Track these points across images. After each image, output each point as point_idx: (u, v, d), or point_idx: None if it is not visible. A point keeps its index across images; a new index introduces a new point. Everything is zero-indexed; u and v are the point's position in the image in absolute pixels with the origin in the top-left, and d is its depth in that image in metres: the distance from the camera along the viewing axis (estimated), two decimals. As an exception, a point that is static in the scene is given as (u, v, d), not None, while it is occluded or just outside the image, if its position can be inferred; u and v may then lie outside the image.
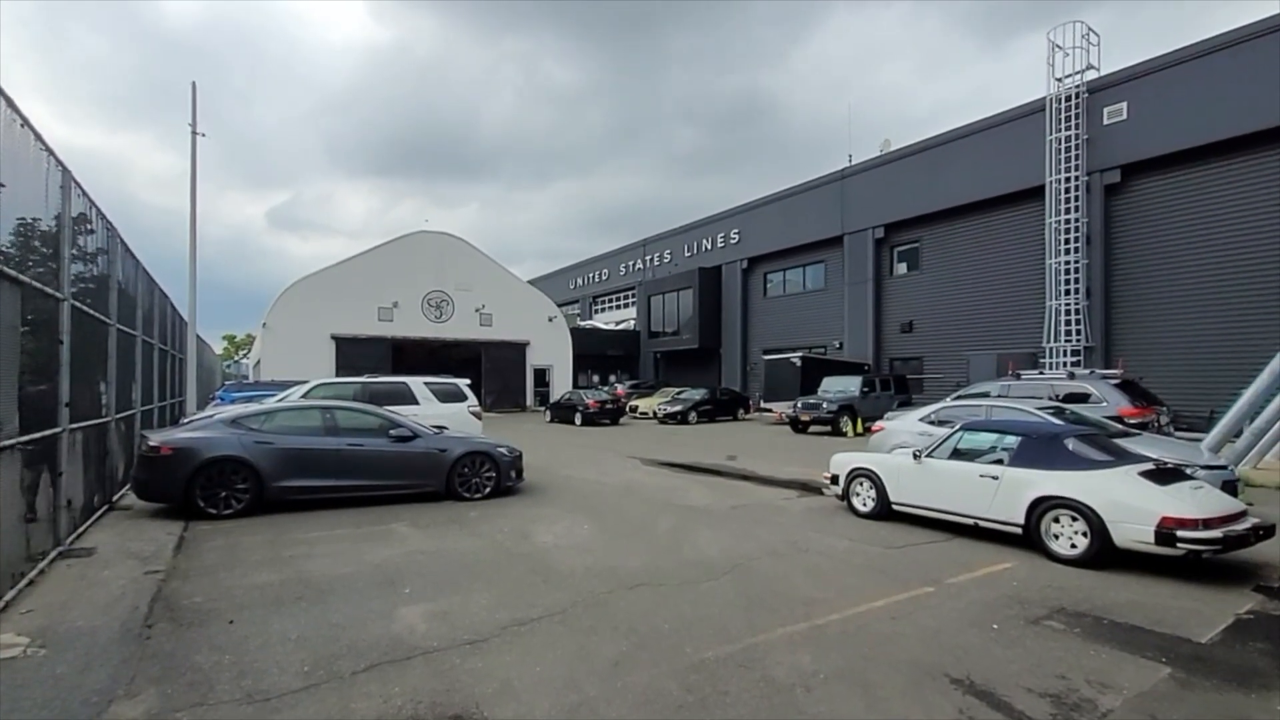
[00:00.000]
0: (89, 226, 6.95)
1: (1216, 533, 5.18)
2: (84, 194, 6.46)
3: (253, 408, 8.61)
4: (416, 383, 12.78)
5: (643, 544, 6.49)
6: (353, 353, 27.16)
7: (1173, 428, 12.25)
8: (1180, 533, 5.17)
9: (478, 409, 13.34)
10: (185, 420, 11.29)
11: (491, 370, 30.97)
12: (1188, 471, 6.44)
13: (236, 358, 67.85)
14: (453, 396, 13.01)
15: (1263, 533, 5.40)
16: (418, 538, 6.67)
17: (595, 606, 4.64)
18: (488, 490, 8.78)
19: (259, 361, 27.53)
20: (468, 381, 13.73)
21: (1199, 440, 9.84)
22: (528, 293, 33.35)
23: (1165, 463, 6.35)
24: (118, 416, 8.16)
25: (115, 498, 8.40)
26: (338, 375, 22.81)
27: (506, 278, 32.25)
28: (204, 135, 16.52)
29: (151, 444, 7.40)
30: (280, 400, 10.65)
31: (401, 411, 9.84)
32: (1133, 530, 5.41)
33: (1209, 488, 5.97)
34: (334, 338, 27.26)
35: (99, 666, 3.60)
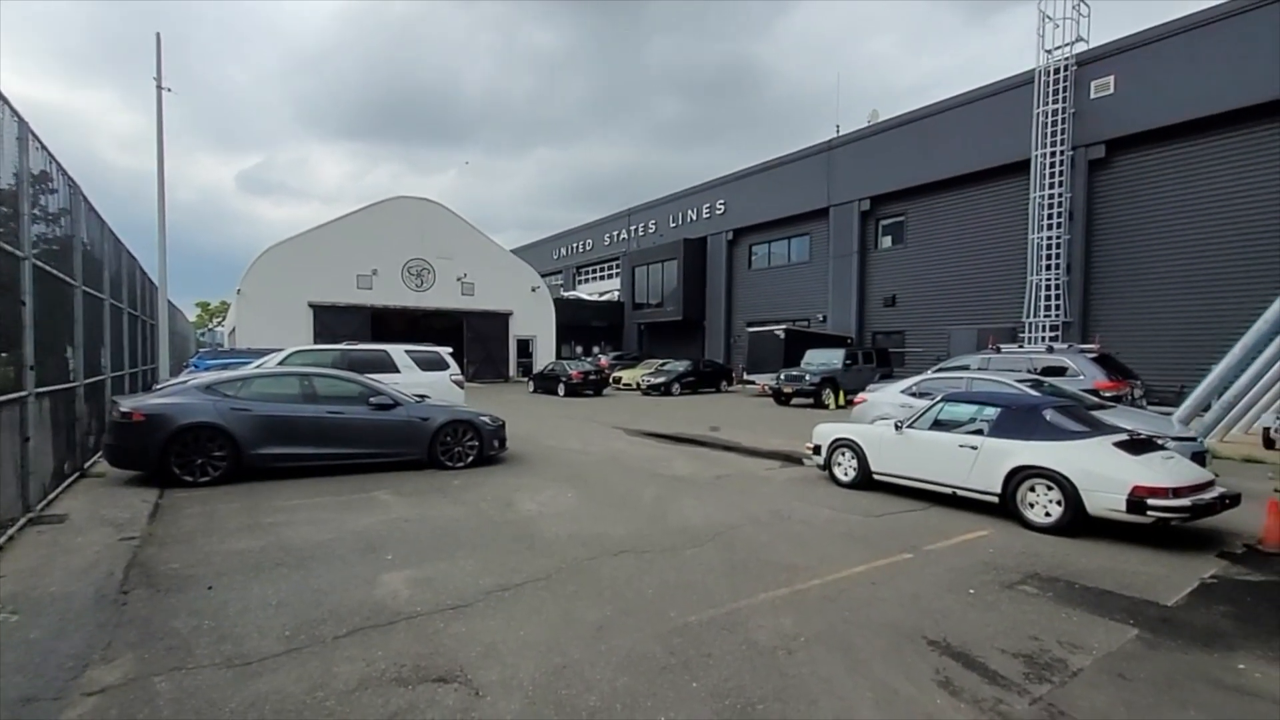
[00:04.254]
0: (51, 185, 6.65)
1: (1185, 501, 5.32)
2: (43, 148, 6.16)
3: (229, 374, 8.42)
4: (397, 350, 12.60)
5: (627, 512, 6.52)
6: (331, 321, 26.70)
7: (1145, 401, 12.54)
8: (1151, 501, 5.31)
9: (460, 377, 13.21)
10: (158, 387, 11.04)
11: (474, 340, 30.68)
12: (1159, 443, 6.59)
13: (211, 325, 66.43)
14: (434, 365, 12.86)
15: (1228, 501, 5.57)
16: (400, 505, 6.63)
17: (579, 573, 4.66)
18: (470, 459, 8.74)
19: (234, 329, 27.02)
20: (449, 350, 13.56)
21: (1170, 413, 10.10)
22: (510, 262, 32.88)
23: (1138, 434, 6.50)
24: (87, 382, 7.94)
25: (87, 465, 8.22)
26: (316, 343, 22.42)
27: (489, 246, 31.73)
28: (170, 90, 15.85)
29: (123, 410, 7.22)
30: (257, 368, 10.43)
31: (382, 379, 9.70)
32: (1105, 499, 5.54)
33: (1179, 458, 6.12)
34: (311, 305, 26.73)
35: (74, 631, 3.54)
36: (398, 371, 12.02)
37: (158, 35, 15.85)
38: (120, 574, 4.48)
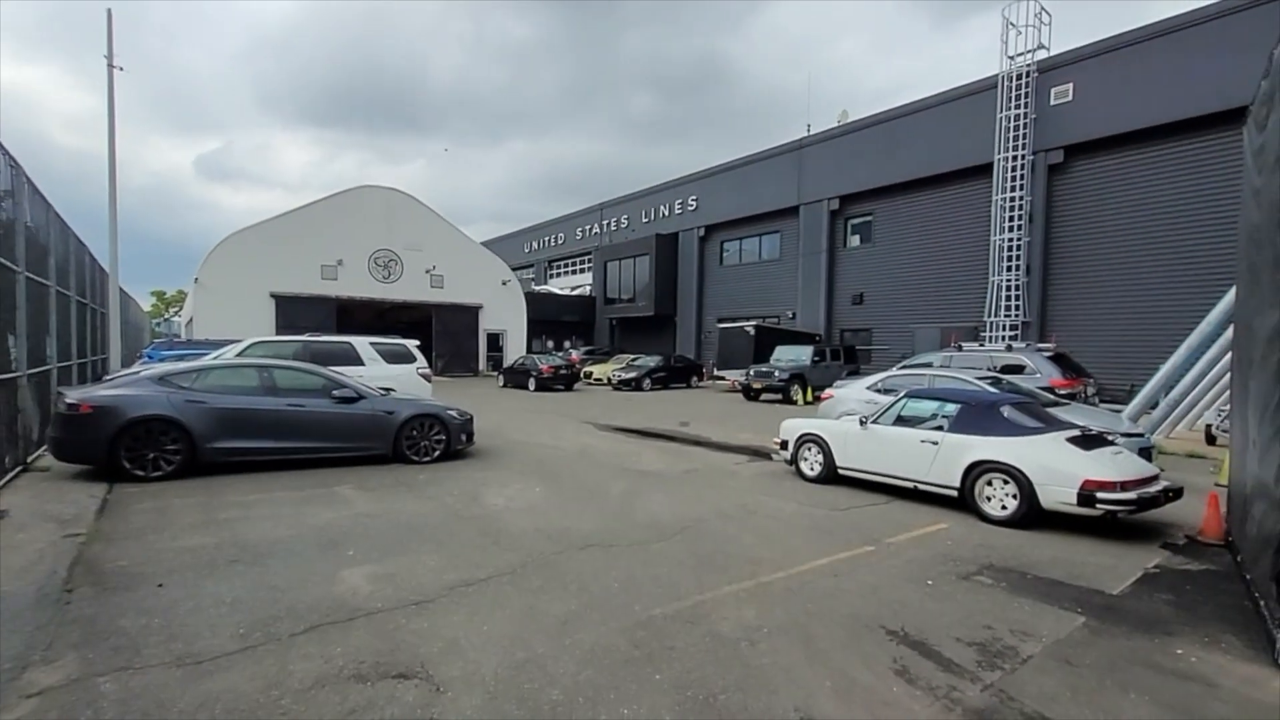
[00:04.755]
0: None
1: (1131, 494, 5.54)
2: (-19, 125, 5.83)
3: (183, 365, 8.14)
4: (362, 343, 12.33)
5: (595, 507, 6.51)
6: (294, 312, 25.99)
7: (1098, 398, 13.01)
8: (1100, 494, 5.51)
9: (427, 371, 13.00)
10: (109, 378, 10.61)
11: (442, 333, 30.22)
12: (1109, 438, 6.85)
13: (167, 315, 64.14)
14: (400, 358, 12.63)
15: (1172, 494, 5.82)
16: (363, 500, 6.50)
17: (545, 567, 4.64)
18: (437, 454, 8.62)
19: (191, 319, 26.08)
20: (416, 343, 13.33)
21: (1121, 410, 10.49)
22: (481, 255, 32.44)
23: (1090, 430, 6.74)
24: (30, 372, 7.58)
25: (30, 459, 7.86)
26: (278, 335, 21.81)
27: (458, 238, 31.24)
28: (121, 69, 15.19)
29: (70, 402, 6.92)
30: (215, 359, 10.10)
31: (346, 372, 9.49)
32: (1058, 492, 5.74)
33: (1127, 453, 6.36)
34: (273, 296, 25.98)
35: (11, 633, 3.39)
36: (362, 364, 11.77)
37: (109, 11, 15.16)
38: (64, 572, 4.30)
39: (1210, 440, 11.83)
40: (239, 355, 10.69)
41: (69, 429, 6.93)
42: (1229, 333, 7.56)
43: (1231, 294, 7.11)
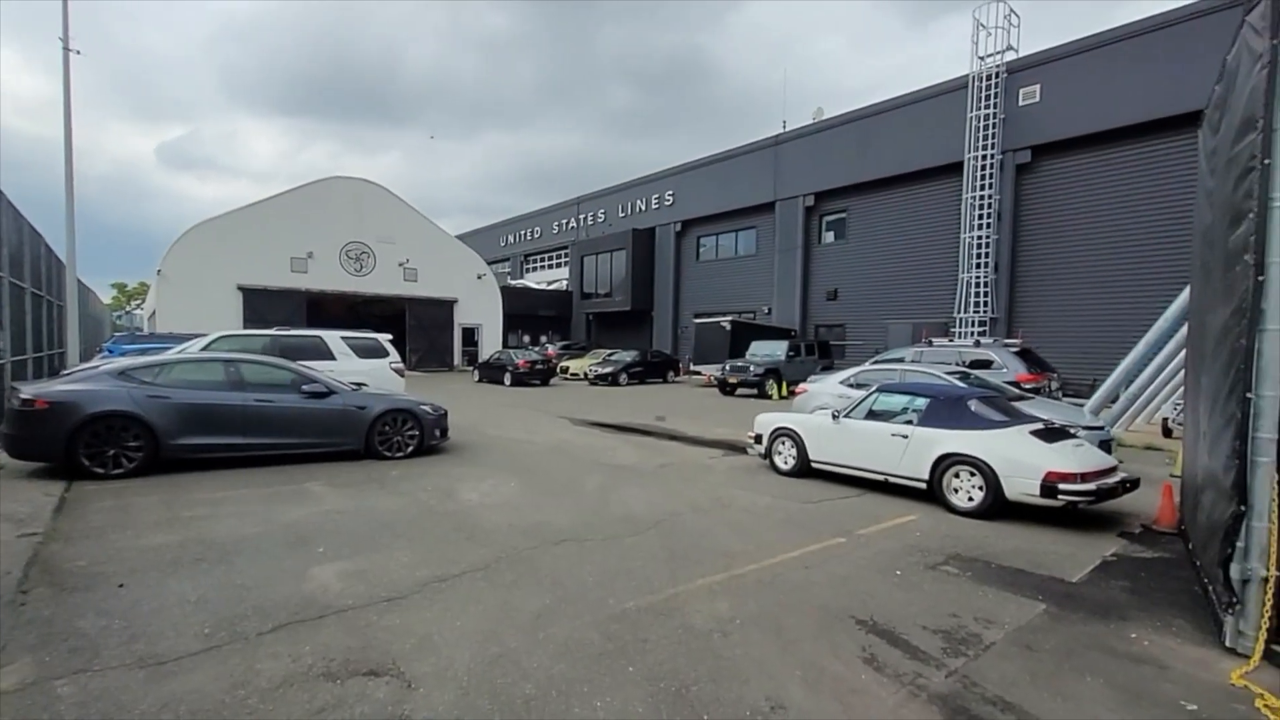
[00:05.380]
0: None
1: (1091, 485, 5.73)
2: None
3: (145, 359, 7.90)
4: (333, 337, 12.11)
5: (570, 501, 6.51)
6: (262, 305, 25.38)
7: (1061, 393, 13.39)
8: (1062, 485, 5.69)
9: (400, 366, 12.83)
10: (66, 372, 10.26)
11: (416, 328, 29.80)
12: (1071, 431, 7.06)
13: (128, 308, 62.16)
14: (372, 352, 12.43)
15: (1129, 485, 6.03)
16: (334, 497, 6.40)
17: (519, 562, 4.63)
18: (410, 449, 8.52)
19: (154, 312, 25.33)
20: (389, 337, 13.13)
21: (1083, 404, 10.81)
22: (455, 248, 32.03)
23: (1052, 423, 6.93)
24: (-19, 367, 7.30)
25: (-18, 457, 7.57)
26: (245, 329, 21.30)
27: (433, 231, 30.80)
28: (78, 53, 14.60)
29: (24, 397, 6.68)
30: (179, 353, 9.83)
31: (317, 367, 9.31)
32: (1022, 484, 5.90)
33: (1088, 445, 6.57)
34: (241, 288, 25.33)
35: (-38, 637, 3.27)
36: (333, 359, 11.56)
37: (64, -9, 14.53)
38: (19, 572, 4.16)
39: (1167, 433, 12.26)
40: (204, 350, 10.42)
41: (24, 425, 6.68)
42: (1184, 330, 7.84)
43: (1186, 292, 7.36)
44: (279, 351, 10.49)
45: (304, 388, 8.01)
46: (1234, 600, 3.50)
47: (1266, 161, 3.30)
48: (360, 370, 11.33)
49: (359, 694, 2.83)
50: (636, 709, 2.80)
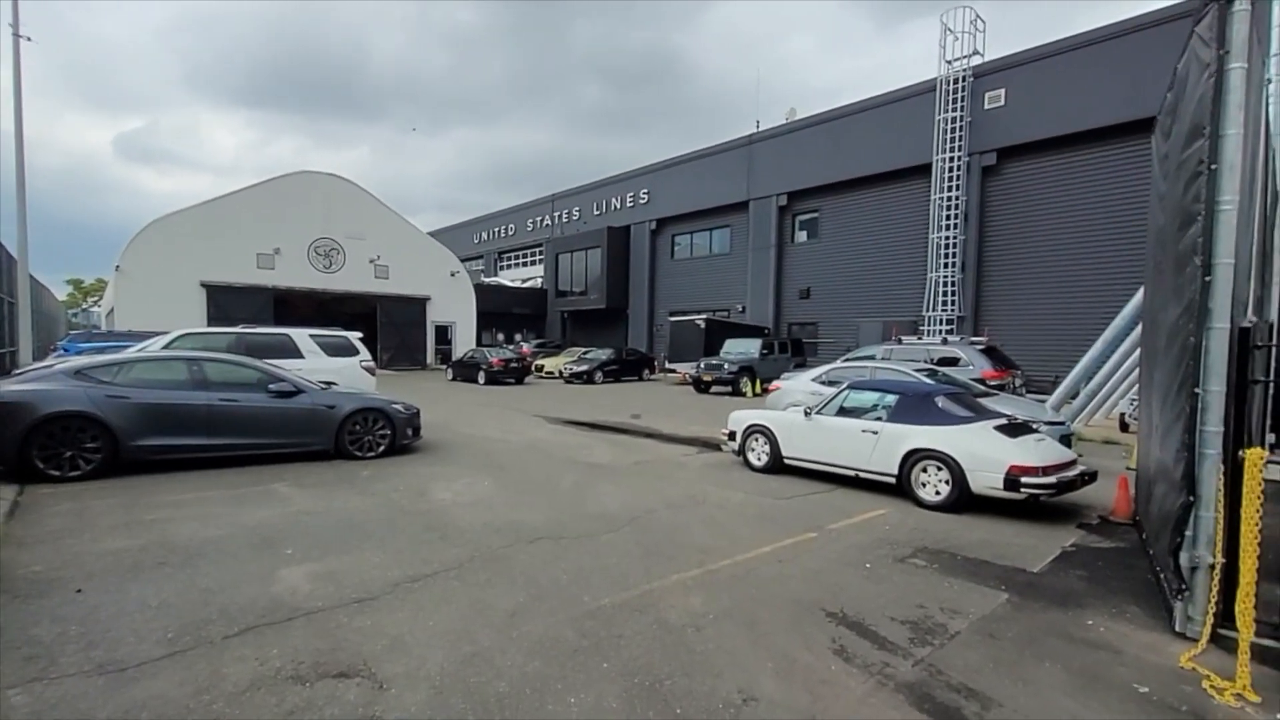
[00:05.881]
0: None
1: (1052, 479, 5.92)
2: None
3: (103, 358, 7.64)
4: (301, 335, 11.86)
5: (544, 500, 6.49)
6: (227, 303, 24.73)
7: (1025, 389, 13.77)
8: (1024, 479, 5.86)
9: (371, 364, 12.63)
10: (18, 372, 9.86)
11: (388, 326, 29.35)
12: (1033, 426, 7.27)
13: (85, 305, 59.98)
14: (342, 350, 12.21)
15: (1087, 478, 6.24)
16: (302, 498, 6.28)
17: (493, 561, 4.61)
18: (382, 449, 8.40)
19: (112, 310, 24.47)
20: (359, 335, 12.91)
21: (1045, 400, 11.14)
22: (428, 245, 31.59)
23: (1015, 418, 7.14)
24: (-74, 366, 6.99)
25: (-73, 460, 7.24)
26: (209, 326, 20.72)
27: (404, 228, 30.33)
28: (29, 39, 14.05)
29: (-28, 398, 6.41)
30: (139, 352, 9.53)
31: (284, 366, 9.12)
32: (986, 477, 6.07)
33: (1049, 440, 6.78)
34: (204, 285, 24.64)
35: (-94, 647, 3.14)
36: (301, 357, 11.33)
37: (14, -25, 13.95)
38: (-32, 580, 4.00)
39: (1123, 428, 12.70)
40: (166, 348, 10.12)
41: (-28, 427, 6.42)
42: (1139, 328, 8.13)
43: (1141, 292, 7.64)
44: (245, 350, 10.24)
45: (271, 387, 7.84)
46: (1183, 587, 3.66)
47: (1213, 166, 3.44)
48: (330, 369, 11.13)
49: (329, 696, 2.80)
50: (610, 704, 2.82)
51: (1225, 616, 3.46)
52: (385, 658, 3.15)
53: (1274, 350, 3.78)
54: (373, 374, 12.46)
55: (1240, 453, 3.32)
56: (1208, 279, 3.44)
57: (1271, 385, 3.82)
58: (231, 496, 6.23)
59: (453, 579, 4.24)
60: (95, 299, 56.31)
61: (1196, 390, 3.48)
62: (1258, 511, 3.13)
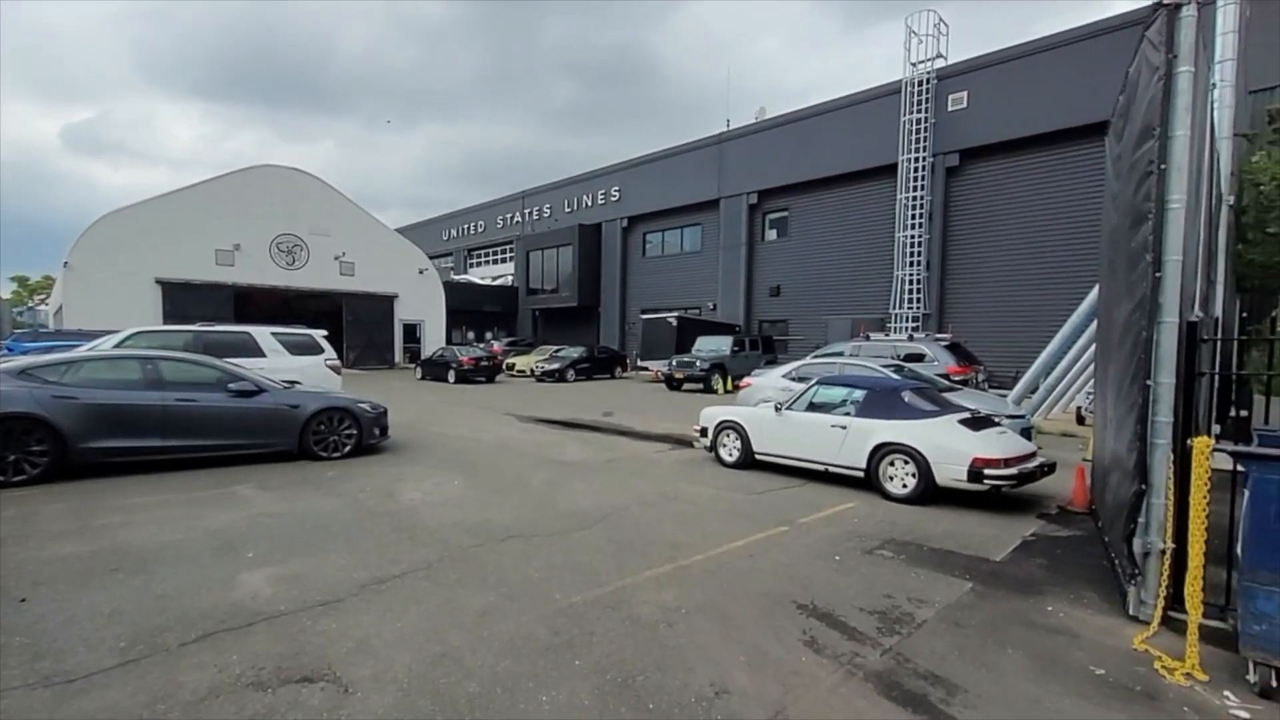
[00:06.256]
0: None
1: (1013, 470, 6.09)
2: None
3: (50, 357, 7.32)
4: (263, 333, 11.53)
5: (516, 498, 6.43)
6: (185, 300, 23.91)
7: (987, 384, 14.15)
8: (987, 471, 6.02)
9: (336, 363, 12.34)
10: (-43, 373, 9.39)
11: (354, 324, 28.73)
12: (995, 420, 7.47)
13: (31, 303, 57.38)
14: (306, 349, 11.91)
15: (1047, 469, 6.45)
16: (265, 500, 6.11)
17: (463, 560, 4.54)
18: (348, 449, 8.22)
19: (60, 308, 23.46)
20: (324, 333, 12.61)
21: (1006, 394, 11.46)
22: (395, 242, 31.01)
23: (978, 412, 7.32)
24: None
25: None
26: (165, 325, 20.01)
27: (371, 224, 29.71)
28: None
29: (-94, 400, 6.07)
30: (89, 350, 9.14)
31: (246, 365, 8.86)
32: (951, 470, 6.21)
33: (1010, 433, 6.97)
34: (160, 282, 23.77)
35: None
36: (263, 356, 11.02)
37: (-50, -46, 13.27)
38: (-99, 591, 3.78)
39: (1080, 420, 13.13)
40: (117, 347, 9.74)
41: (-94, 430, 6.08)
42: (1095, 324, 8.41)
43: (1096, 290, 7.91)
44: (203, 349, 9.92)
45: (231, 386, 7.60)
46: (1136, 572, 3.80)
47: (1163, 166, 3.57)
48: (293, 367, 10.85)
49: (291, 702, 2.72)
50: (583, 701, 2.80)
51: (1175, 600, 3.60)
52: (351, 661, 3.07)
53: (1219, 344, 3.94)
54: (338, 373, 12.19)
55: (1189, 442, 3.45)
56: (1158, 275, 3.57)
57: (1216, 377, 3.98)
58: (190, 499, 6.03)
59: (421, 579, 4.17)
60: (43, 297, 53.89)
61: (1148, 382, 3.61)
62: (1205, 498, 3.26)
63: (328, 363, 12.05)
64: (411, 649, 3.21)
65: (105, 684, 2.82)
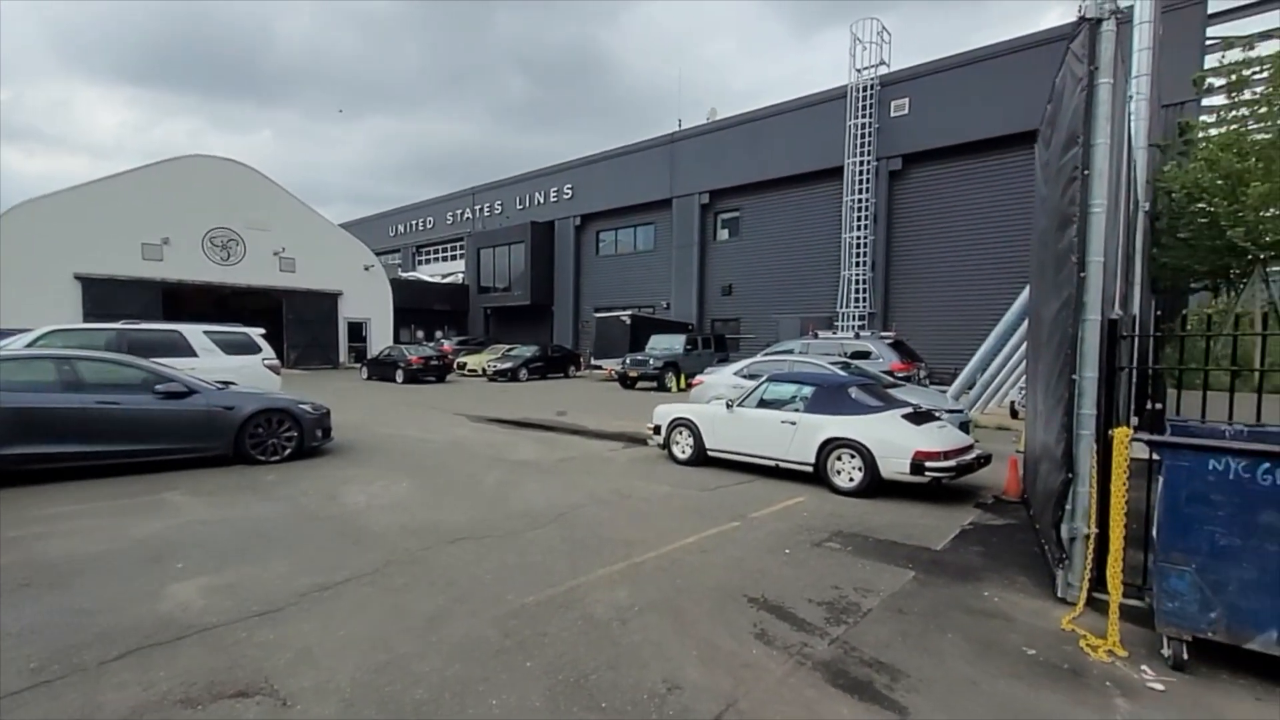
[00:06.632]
0: None
1: (952, 462, 6.34)
2: None
3: (-49, 358, 6.75)
4: (194, 331, 10.94)
5: (467, 499, 6.31)
6: (107, 297, 22.45)
7: (929, 380, 14.71)
8: (928, 463, 6.25)
9: (275, 362, 11.82)
10: None
11: (295, 322, 27.60)
12: (935, 414, 7.77)
13: (-69, 300, 52.66)
14: (242, 348, 11.37)
15: (983, 461, 6.75)
16: (197, 506, 5.80)
17: (411, 564, 4.42)
18: (288, 451, 7.89)
19: (-34, 304, 21.65)
20: (262, 331, 12.06)
21: (946, 390, 11.94)
22: (339, 237, 29.93)
23: (920, 407, 7.60)
24: None
25: None
26: (85, 323, 18.75)
27: (312, 219, 28.59)
28: None
29: None
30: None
31: (176, 365, 8.39)
32: (895, 463, 6.42)
33: (950, 427, 7.26)
34: (79, 278, 22.24)
35: None
36: (195, 355, 10.46)
37: None
38: None
39: (1014, 414, 13.80)
40: (29, 346, 9.07)
41: None
42: (1026, 323, 8.85)
43: (1028, 290, 8.32)
44: (127, 348, 9.34)
45: (158, 387, 7.18)
46: (1063, 556, 4.01)
47: (1086, 172, 3.78)
48: (228, 368, 10.34)
49: (225, 718, 2.58)
50: (534, 702, 2.76)
51: (1099, 582, 3.81)
52: (290, 672, 2.95)
53: (1136, 341, 4.20)
54: (277, 373, 11.69)
55: (1110, 432, 3.67)
56: (1082, 275, 3.78)
57: (1135, 372, 4.24)
58: (116, 508, 5.67)
59: (366, 585, 4.03)
60: (-56, 293, 49.62)
61: (1074, 377, 3.82)
62: (1125, 485, 3.47)
63: (265, 362, 11.54)
64: (355, 657, 3.10)
65: (12, 709, 2.62)
